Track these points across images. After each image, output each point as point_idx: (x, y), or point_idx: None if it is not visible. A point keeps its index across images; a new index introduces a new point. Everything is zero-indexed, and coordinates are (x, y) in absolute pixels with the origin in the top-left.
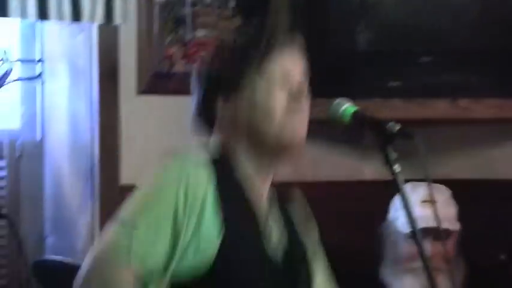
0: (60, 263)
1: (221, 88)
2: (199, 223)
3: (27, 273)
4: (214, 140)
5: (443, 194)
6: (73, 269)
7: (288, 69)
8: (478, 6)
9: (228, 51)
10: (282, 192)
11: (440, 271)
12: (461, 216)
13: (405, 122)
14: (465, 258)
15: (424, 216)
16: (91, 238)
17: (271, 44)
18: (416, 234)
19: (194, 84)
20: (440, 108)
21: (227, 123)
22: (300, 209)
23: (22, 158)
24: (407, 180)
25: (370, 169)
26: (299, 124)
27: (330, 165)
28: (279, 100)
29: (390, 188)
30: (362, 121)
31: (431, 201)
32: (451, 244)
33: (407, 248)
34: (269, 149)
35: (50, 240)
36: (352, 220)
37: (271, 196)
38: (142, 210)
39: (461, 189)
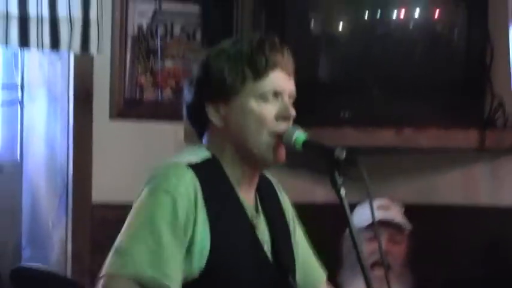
0: (36, 270)
1: (213, 93)
2: (194, 231)
3: (5, 280)
4: (205, 142)
5: (396, 206)
6: (47, 275)
7: (280, 88)
8: (424, 46)
9: (224, 62)
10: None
11: (393, 270)
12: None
13: (355, 150)
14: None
15: (379, 214)
16: (64, 251)
17: (268, 61)
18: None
19: (186, 88)
20: (386, 137)
21: (218, 128)
22: (274, 196)
23: (2, 176)
24: (356, 203)
25: (321, 192)
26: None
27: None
28: (269, 112)
29: (340, 211)
30: (312, 148)
31: (386, 206)
32: (403, 243)
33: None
34: (253, 160)
35: (26, 252)
36: None
37: (255, 196)
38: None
39: (404, 213)
